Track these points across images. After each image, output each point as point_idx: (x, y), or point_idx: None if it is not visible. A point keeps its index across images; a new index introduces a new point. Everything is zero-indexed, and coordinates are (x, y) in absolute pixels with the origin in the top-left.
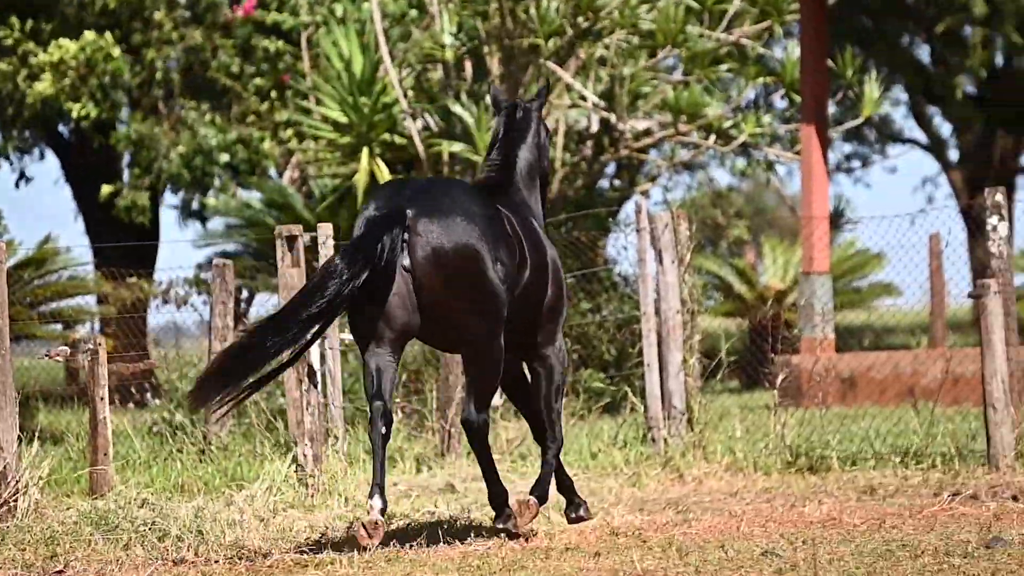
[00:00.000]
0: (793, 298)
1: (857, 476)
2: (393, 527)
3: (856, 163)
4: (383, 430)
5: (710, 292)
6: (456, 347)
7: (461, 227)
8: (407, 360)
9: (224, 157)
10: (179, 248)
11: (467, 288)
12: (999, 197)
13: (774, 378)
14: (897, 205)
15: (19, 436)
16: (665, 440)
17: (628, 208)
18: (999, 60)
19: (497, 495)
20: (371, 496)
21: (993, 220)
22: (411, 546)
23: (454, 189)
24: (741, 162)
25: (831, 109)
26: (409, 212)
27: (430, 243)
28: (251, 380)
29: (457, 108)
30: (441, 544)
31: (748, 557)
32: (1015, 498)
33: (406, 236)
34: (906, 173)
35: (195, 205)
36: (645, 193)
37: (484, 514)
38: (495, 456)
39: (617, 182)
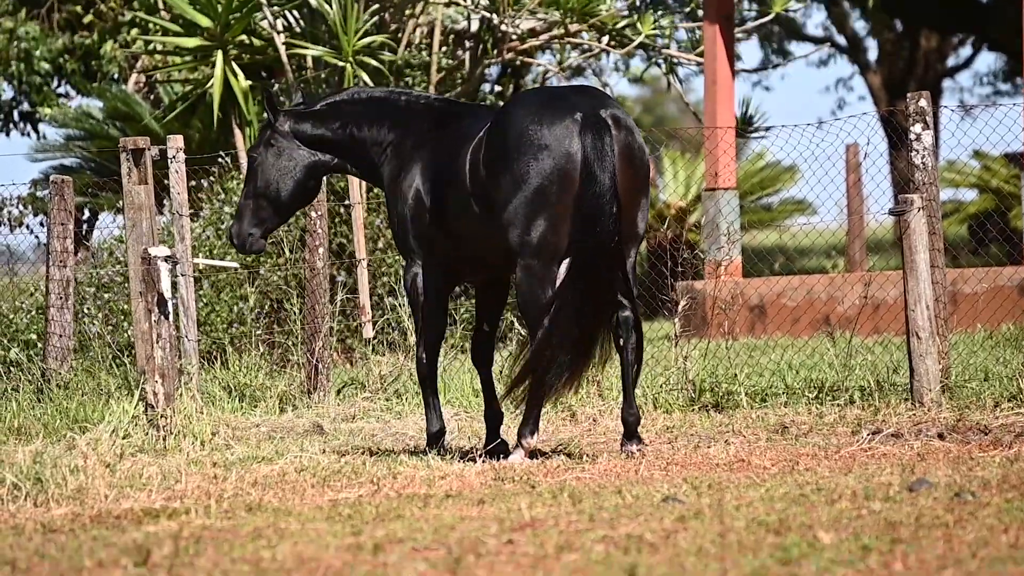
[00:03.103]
0: (696, 217)
1: (767, 413)
2: (254, 474)
3: (764, 64)
4: None
5: None
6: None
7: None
8: (269, 288)
9: (45, 67)
10: (11, 162)
11: (646, 183)
12: (923, 103)
13: (675, 306)
14: (811, 111)
15: None
16: None
17: None
18: None
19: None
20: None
21: (916, 128)
22: (275, 494)
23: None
24: (638, 66)
25: (737, 6)
26: (603, 112)
27: (627, 142)
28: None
29: (324, 5)
30: (309, 491)
31: (648, 503)
32: (941, 436)
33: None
34: (821, 77)
35: (24, 110)
36: None
37: (356, 458)
38: (367, 394)
39: (501, 88)
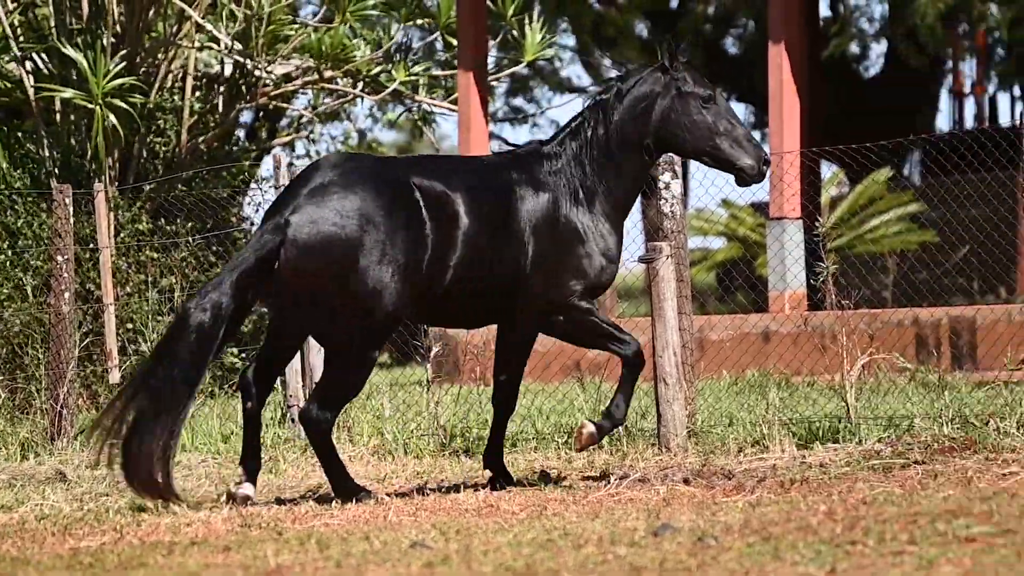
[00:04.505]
0: None
1: (518, 458)
2: None
3: (515, 114)
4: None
5: None
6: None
7: (330, 225)
8: (11, 333)
9: None
10: None
11: (331, 289)
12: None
13: (427, 352)
14: None
15: None
16: None
17: (269, 162)
18: None
19: (344, 488)
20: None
21: (665, 177)
22: (14, 543)
23: (339, 178)
24: (393, 112)
25: (492, 54)
26: (286, 217)
27: (293, 259)
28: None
29: (70, 50)
30: (49, 540)
31: (396, 549)
32: (687, 481)
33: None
34: None
35: None
36: (287, 146)
37: (100, 505)
38: (112, 440)
39: (256, 133)
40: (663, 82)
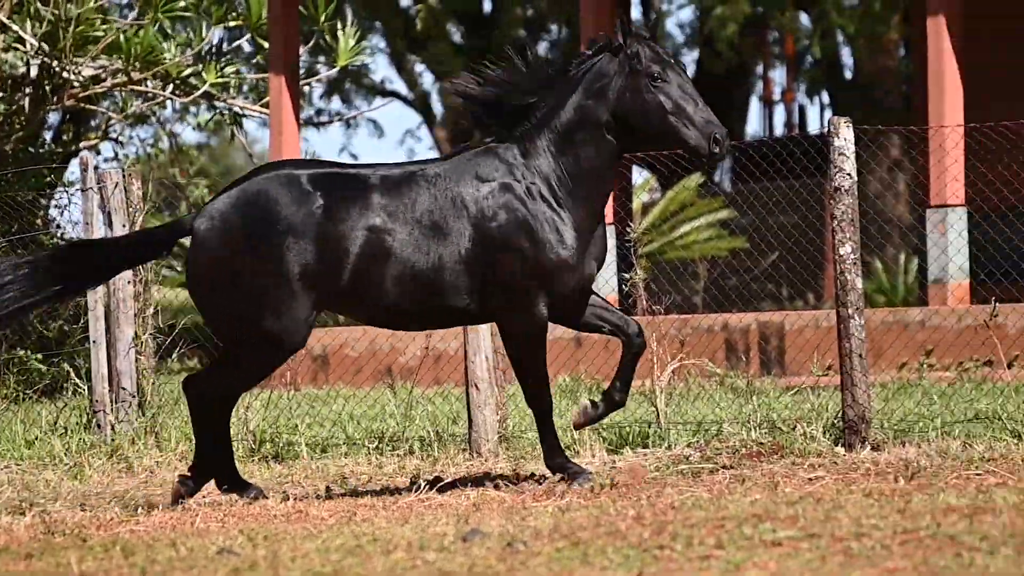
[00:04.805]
0: None
1: (328, 464)
2: None
3: (329, 117)
4: None
5: (170, 260)
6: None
7: (225, 224)
8: None
9: None
10: None
11: (214, 286)
12: None
13: None
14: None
15: None
16: (112, 426)
17: (75, 165)
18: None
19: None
20: None
21: None
22: None
23: (263, 182)
24: (204, 115)
25: (304, 57)
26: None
27: (197, 233)
28: None
29: None
30: None
31: (202, 556)
32: (497, 486)
33: None
34: (391, 129)
35: None
36: (94, 148)
37: None
38: None
39: (63, 136)
40: (618, 61)
